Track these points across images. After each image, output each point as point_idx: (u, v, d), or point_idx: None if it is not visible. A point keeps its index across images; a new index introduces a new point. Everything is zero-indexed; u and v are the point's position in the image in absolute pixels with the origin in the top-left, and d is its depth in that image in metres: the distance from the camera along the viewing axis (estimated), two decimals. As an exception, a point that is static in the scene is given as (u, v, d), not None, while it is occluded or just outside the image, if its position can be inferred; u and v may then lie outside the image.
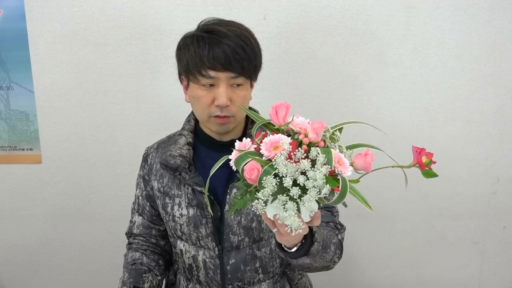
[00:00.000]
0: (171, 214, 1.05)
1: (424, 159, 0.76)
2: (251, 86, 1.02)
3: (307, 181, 0.65)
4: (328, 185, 0.65)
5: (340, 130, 0.77)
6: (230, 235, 1.01)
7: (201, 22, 0.99)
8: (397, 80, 1.49)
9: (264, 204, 0.67)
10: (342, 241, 1.02)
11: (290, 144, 0.68)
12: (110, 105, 1.54)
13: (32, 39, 1.48)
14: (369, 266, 1.68)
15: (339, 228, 1.03)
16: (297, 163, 0.66)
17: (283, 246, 0.84)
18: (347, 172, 0.68)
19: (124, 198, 1.61)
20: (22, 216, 1.66)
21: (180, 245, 1.07)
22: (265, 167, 0.68)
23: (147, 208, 1.13)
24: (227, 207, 1.01)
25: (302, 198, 0.65)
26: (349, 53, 1.47)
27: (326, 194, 0.65)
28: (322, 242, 0.88)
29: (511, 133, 1.54)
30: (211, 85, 0.95)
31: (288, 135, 0.72)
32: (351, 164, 0.71)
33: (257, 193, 0.67)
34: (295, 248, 0.83)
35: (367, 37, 1.46)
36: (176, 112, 1.53)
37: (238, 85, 0.96)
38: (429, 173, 0.76)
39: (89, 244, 1.68)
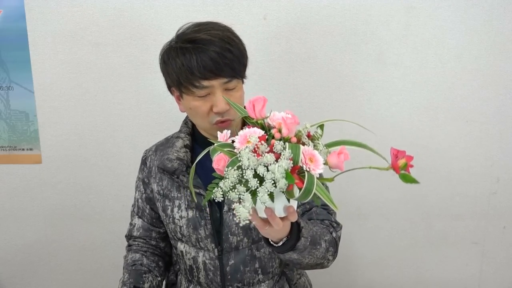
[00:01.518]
0: (171, 216, 1.05)
1: (400, 162, 0.71)
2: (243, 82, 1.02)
3: (267, 173, 0.66)
4: (284, 179, 0.65)
5: (322, 127, 0.77)
6: (229, 236, 1.01)
7: (178, 31, 0.98)
8: (397, 80, 1.49)
9: (221, 194, 0.68)
10: (337, 240, 1.01)
11: (259, 138, 0.69)
12: (110, 105, 1.54)
13: (32, 39, 1.48)
14: (369, 266, 1.68)
15: (335, 226, 1.02)
16: (261, 156, 0.67)
17: (270, 240, 0.84)
18: (317, 169, 0.68)
19: (124, 198, 1.61)
20: (22, 216, 1.66)
21: (181, 246, 1.07)
22: (232, 159, 0.69)
23: (147, 211, 1.12)
24: (225, 208, 1.01)
25: (257, 189, 0.66)
26: (349, 53, 1.47)
27: (282, 189, 0.66)
28: (311, 238, 0.87)
29: (511, 133, 1.54)
30: (207, 94, 0.94)
31: (270, 129, 0.73)
32: (325, 162, 0.71)
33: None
34: (280, 243, 0.83)
35: (367, 37, 1.46)
36: (176, 112, 1.51)
37: (232, 89, 0.95)
38: (406, 178, 0.71)
39: (89, 244, 1.68)
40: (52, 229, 1.67)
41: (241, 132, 0.71)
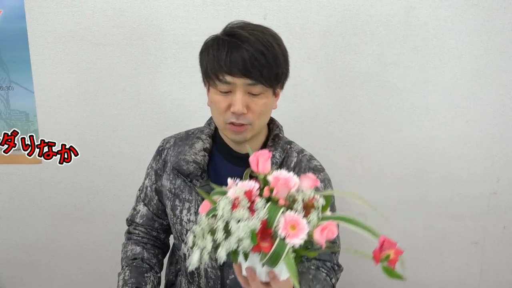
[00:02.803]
0: (179, 217, 1.04)
1: (383, 254, 0.62)
2: (275, 94, 0.98)
3: (236, 229, 0.63)
4: (247, 240, 0.62)
5: (328, 199, 0.72)
6: None
7: (228, 25, 0.95)
8: (397, 80, 1.49)
9: (192, 241, 0.67)
10: (335, 284, 1.01)
11: (245, 192, 0.67)
12: (110, 105, 1.54)
13: (32, 39, 1.48)
14: (369, 266, 1.68)
15: (336, 269, 1.01)
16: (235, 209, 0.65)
17: None
18: (295, 238, 0.64)
19: (124, 198, 1.61)
20: (22, 216, 1.66)
21: (184, 249, 1.06)
22: (212, 206, 0.69)
23: (154, 201, 1.11)
24: None
25: (221, 243, 0.64)
26: (349, 53, 1.47)
27: (245, 249, 0.63)
28: None
29: (511, 133, 1.54)
30: (229, 91, 0.91)
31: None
32: (309, 234, 0.66)
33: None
34: None
35: (367, 37, 1.46)
36: (176, 112, 1.53)
37: (255, 94, 0.91)
38: (389, 272, 0.62)
39: (89, 244, 1.68)
40: (52, 229, 1.67)
41: (240, 183, 0.71)
